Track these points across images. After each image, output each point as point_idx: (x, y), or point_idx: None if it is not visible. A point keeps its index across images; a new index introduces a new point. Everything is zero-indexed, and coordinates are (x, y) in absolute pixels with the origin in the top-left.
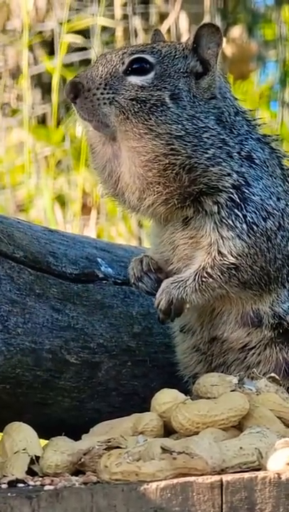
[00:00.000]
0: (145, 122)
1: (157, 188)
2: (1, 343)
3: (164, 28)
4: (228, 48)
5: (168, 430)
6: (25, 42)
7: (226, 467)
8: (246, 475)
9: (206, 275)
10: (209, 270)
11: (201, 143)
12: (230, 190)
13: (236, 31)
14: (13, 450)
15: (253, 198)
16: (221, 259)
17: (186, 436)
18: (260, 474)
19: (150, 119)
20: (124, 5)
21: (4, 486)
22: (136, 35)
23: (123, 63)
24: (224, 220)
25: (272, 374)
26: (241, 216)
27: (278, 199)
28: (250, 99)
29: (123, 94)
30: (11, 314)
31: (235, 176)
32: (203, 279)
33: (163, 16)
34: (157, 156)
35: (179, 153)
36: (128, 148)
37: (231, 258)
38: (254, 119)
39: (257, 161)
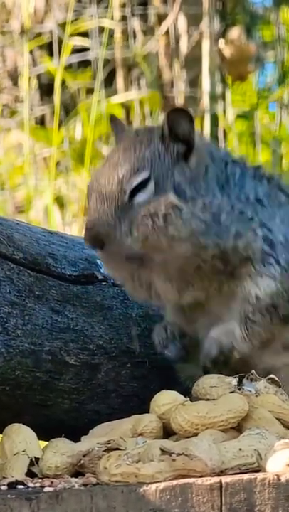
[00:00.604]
0: (166, 234)
1: (196, 283)
2: (0, 345)
3: (162, 29)
4: (226, 49)
5: (167, 432)
6: (27, 44)
7: (225, 469)
8: (245, 476)
9: (250, 323)
10: (251, 317)
11: (222, 226)
12: (261, 247)
13: (235, 32)
14: (13, 452)
15: (278, 238)
16: (259, 304)
17: (185, 437)
18: (260, 476)
19: (169, 229)
20: (123, 6)
21: (4, 487)
22: (134, 37)
23: (125, 192)
24: (259, 271)
25: (272, 375)
26: (274, 262)
27: None
28: (248, 101)
29: (137, 219)
30: (10, 316)
31: (260, 233)
32: (249, 327)
33: (161, 17)
34: (189, 259)
35: (208, 246)
36: (158, 262)
37: (269, 300)
38: (241, 158)
39: (264, 201)
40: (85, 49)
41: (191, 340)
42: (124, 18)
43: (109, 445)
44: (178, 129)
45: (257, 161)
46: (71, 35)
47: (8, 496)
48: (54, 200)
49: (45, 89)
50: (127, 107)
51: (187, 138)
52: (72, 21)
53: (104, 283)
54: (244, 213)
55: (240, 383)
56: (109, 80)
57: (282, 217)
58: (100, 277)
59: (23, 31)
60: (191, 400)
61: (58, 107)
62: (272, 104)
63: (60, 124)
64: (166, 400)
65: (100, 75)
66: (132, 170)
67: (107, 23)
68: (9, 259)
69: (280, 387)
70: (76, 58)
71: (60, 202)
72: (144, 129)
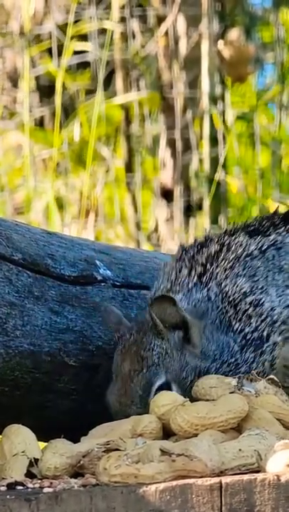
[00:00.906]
0: None
1: None
2: None
3: (161, 30)
4: (226, 51)
5: (167, 432)
6: (26, 45)
7: (225, 469)
8: (245, 477)
9: (286, 370)
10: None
11: (255, 359)
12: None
13: (234, 33)
14: (12, 452)
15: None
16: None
17: (185, 438)
18: (260, 476)
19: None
20: (122, 8)
21: (3, 488)
22: (134, 38)
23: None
24: None
25: (272, 376)
26: None
27: None
28: (248, 102)
29: None
30: (9, 317)
31: (285, 331)
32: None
33: (161, 19)
34: None
35: None
36: None
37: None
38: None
39: (260, 295)
40: (83, 50)
41: None
42: (123, 20)
43: (109, 446)
44: (167, 318)
45: (257, 162)
46: (71, 37)
47: (8, 496)
48: (53, 201)
49: (45, 91)
50: (126, 108)
51: (180, 321)
52: (71, 23)
53: (103, 284)
54: (261, 334)
55: (239, 384)
56: (108, 81)
57: (278, 286)
58: (99, 278)
59: (22, 33)
60: (190, 401)
61: (58, 108)
62: (271, 105)
63: (62, 126)
64: (165, 400)
65: (101, 77)
66: (146, 382)
67: (106, 25)
68: (8, 259)
69: (279, 387)
70: (75, 60)
71: (59, 203)
72: (138, 328)
